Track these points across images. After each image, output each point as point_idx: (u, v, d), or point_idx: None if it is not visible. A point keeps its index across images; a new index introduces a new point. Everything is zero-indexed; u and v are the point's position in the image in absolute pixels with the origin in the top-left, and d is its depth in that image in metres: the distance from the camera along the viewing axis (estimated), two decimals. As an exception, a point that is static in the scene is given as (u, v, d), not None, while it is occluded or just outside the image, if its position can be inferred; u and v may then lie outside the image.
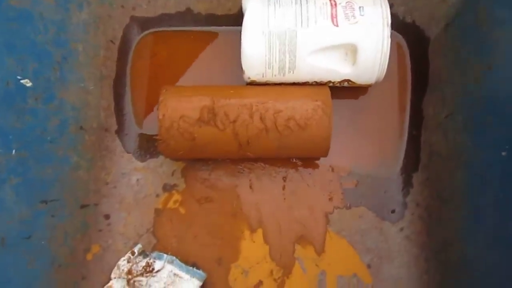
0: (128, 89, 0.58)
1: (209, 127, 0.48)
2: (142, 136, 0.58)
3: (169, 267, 0.52)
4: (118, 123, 0.57)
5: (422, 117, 0.55)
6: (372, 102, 0.57)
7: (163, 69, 0.59)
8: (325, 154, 0.51)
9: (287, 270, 0.54)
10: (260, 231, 0.55)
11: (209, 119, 0.48)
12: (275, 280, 0.54)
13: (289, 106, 0.48)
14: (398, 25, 0.56)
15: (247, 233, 0.55)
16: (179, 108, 0.49)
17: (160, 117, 0.49)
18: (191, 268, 0.52)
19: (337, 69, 0.50)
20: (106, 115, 0.56)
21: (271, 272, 0.54)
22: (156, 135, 0.50)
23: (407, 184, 0.55)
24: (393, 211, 0.55)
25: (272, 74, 0.50)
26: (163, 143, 0.49)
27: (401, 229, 0.55)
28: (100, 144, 0.55)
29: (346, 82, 0.52)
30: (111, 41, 0.56)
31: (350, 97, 0.57)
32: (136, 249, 0.53)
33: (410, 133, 0.56)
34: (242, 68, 0.51)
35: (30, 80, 0.43)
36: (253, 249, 0.55)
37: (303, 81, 0.51)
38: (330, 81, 0.52)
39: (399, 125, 0.57)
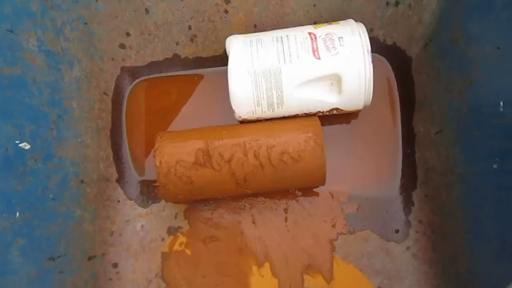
0: (125, 138, 0.60)
1: (205, 169, 0.50)
2: (142, 182, 0.59)
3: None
4: (118, 172, 0.59)
5: (414, 135, 0.56)
6: (363, 125, 0.58)
7: (157, 115, 0.61)
8: (322, 182, 0.52)
9: (298, 302, 0.54)
10: (267, 264, 0.55)
11: (204, 161, 0.49)
12: (287, 313, 0.54)
13: (281, 141, 0.49)
14: (380, 47, 0.58)
15: (254, 268, 0.55)
16: (175, 153, 0.50)
17: (157, 164, 0.50)
18: (202, 309, 0.52)
19: (324, 99, 0.51)
20: (106, 166, 0.57)
21: (282, 305, 0.54)
22: (155, 181, 0.51)
23: (407, 202, 0.56)
24: (397, 231, 0.55)
25: (262, 111, 0.52)
26: (162, 189, 0.50)
27: (407, 248, 0.55)
28: (102, 195, 0.56)
29: (335, 110, 0.53)
30: (105, 93, 0.58)
31: (341, 122, 0.58)
32: (146, 296, 0.54)
33: (404, 152, 0.57)
34: (232, 107, 0.52)
35: (29, 143, 0.44)
36: (262, 283, 0.55)
37: (293, 114, 0.53)
38: (319, 111, 0.53)
39: (393, 145, 0.57)
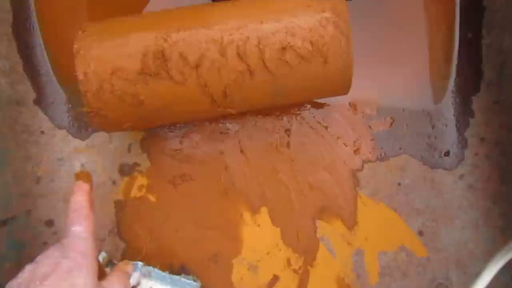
0: (38, 35, 0.39)
1: (160, 81, 0.31)
2: (76, 101, 0.40)
3: (146, 283, 0.37)
4: (35, 89, 0.40)
5: (482, 9, 0.37)
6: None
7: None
8: (344, 91, 0.34)
9: (309, 256, 0.41)
10: (264, 209, 0.41)
11: (157, 68, 0.30)
12: (295, 271, 0.40)
13: (281, 27, 0.30)
14: None
15: (247, 215, 0.40)
16: (109, 57, 0.31)
17: (81, 77, 0.31)
18: (178, 277, 0.38)
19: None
20: (13, 81, 0.38)
21: (288, 261, 0.41)
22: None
23: (464, 112, 0.40)
24: (446, 154, 0.40)
25: (247, -23, 0.31)
26: (95, 115, 0.32)
27: (461, 177, 0.40)
28: (13, 125, 0.38)
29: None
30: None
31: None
32: (99, 259, 0.38)
33: (463, 36, 0.39)
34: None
35: None
36: (259, 235, 0.41)
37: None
38: (340, -25, 0.33)
39: (445, 25, 0.39)
